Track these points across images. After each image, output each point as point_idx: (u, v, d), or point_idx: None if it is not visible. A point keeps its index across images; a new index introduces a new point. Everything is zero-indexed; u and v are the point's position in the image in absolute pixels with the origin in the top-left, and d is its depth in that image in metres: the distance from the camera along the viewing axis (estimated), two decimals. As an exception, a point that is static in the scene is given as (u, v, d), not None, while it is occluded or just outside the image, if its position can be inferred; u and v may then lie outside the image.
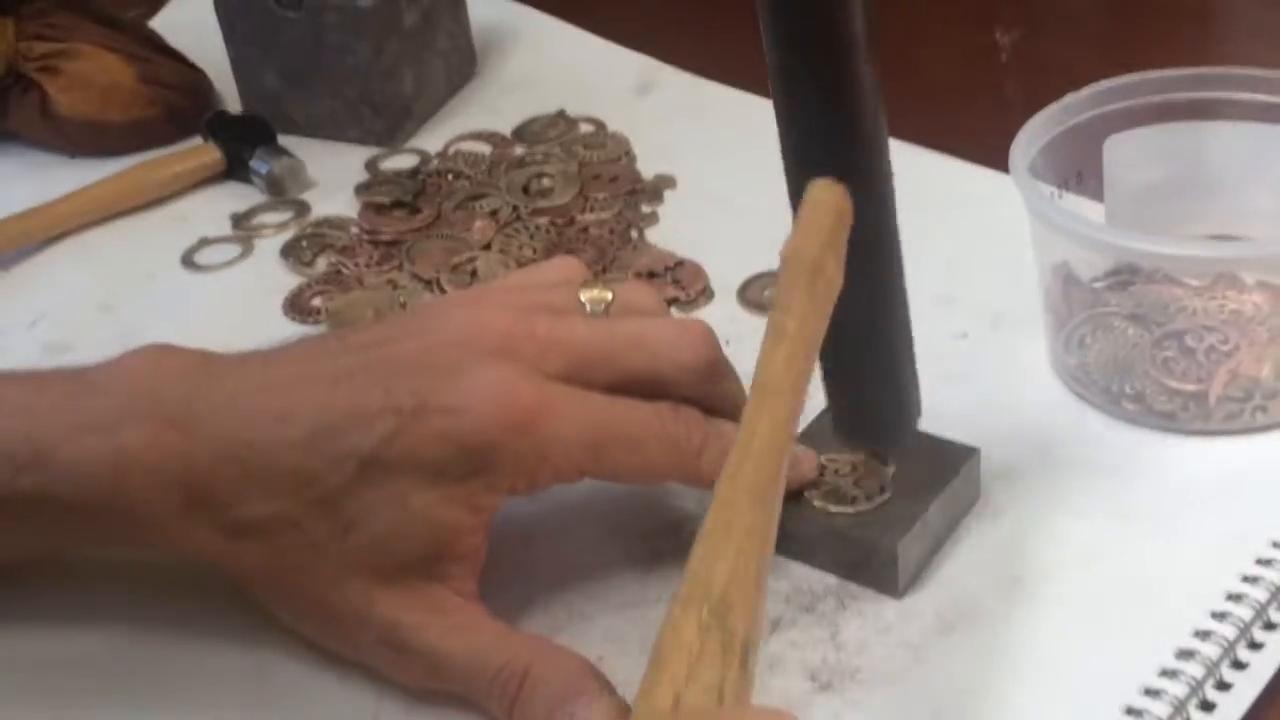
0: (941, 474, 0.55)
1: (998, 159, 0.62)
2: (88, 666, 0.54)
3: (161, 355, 0.52)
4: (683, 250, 0.72)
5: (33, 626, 0.55)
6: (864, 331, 0.51)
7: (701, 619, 0.38)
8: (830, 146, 0.48)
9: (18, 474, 0.50)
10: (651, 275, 0.71)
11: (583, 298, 0.53)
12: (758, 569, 0.40)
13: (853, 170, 0.47)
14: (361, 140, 0.83)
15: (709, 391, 0.53)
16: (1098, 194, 0.64)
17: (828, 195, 0.47)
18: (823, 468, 0.55)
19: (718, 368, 0.53)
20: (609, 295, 0.53)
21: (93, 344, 0.70)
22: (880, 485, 0.54)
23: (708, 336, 0.53)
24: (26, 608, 0.56)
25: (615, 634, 0.53)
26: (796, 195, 0.48)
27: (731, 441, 0.52)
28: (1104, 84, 0.63)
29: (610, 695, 0.48)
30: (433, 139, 0.84)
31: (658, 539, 0.56)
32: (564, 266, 0.57)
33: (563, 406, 0.50)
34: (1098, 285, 0.62)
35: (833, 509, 0.54)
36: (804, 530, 0.54)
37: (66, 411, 0.51)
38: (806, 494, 0.54)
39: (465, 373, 0.49)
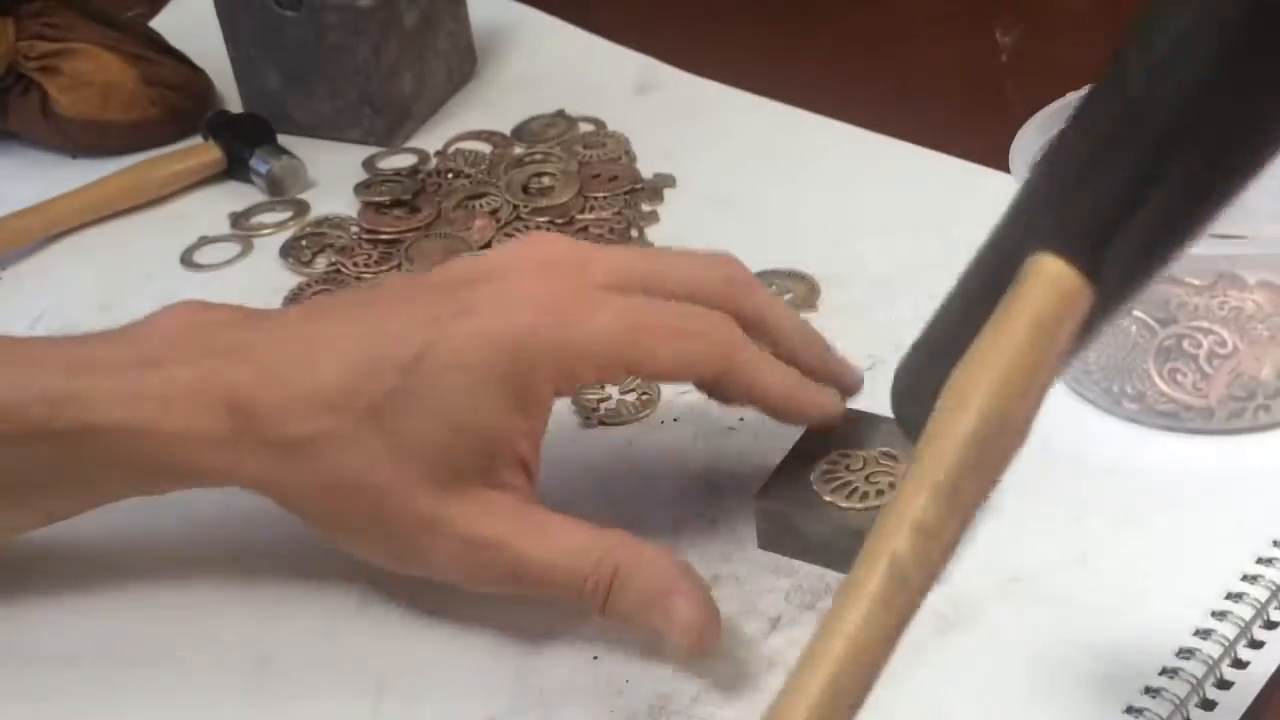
0: None
1: (998, 159, 0.62)
2: (88, 656, 0.54)
3: (195, 308, 0.54)
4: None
5: (34, 617, 0.56)
6: None
7: None
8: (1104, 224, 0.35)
9: (56, 408, 0.50)
10: (651, 275, 0.71)
11: None
12: None
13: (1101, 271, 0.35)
14: (361, 140, 0.83)
15: (746, 304, 0.53)
16: (1098, 193, 0.64)
17: (1057, 302, 0.34)
18: (834, 462, 0.55)
19: (751, 282, 0.54)
20: None
21: (92, 343, 0.71)
22: (892, 481, 0.54)
23: (734, 261, 0.55)
24: (27, 601, 0.56)
25: (615, 633, 0.53)
26: (1002, 267, 0.36)
27: (770, 358, 0.53)
28: (1104, 83, 0.63)
29: (702, 589, 0.49)
30: (433, 139, 0.84)
31: (658, 538, 0.56)
32: None
33: (601, 300, 0.51)
34: (1098, 284, 0.62)
35: (844, 504, 0.54)
36: (817, 529, 0.54)
37: (105, 355, 0.52)
38: (817, 489, 0.54)
39: (505, 280, 0.50)
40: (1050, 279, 0.35)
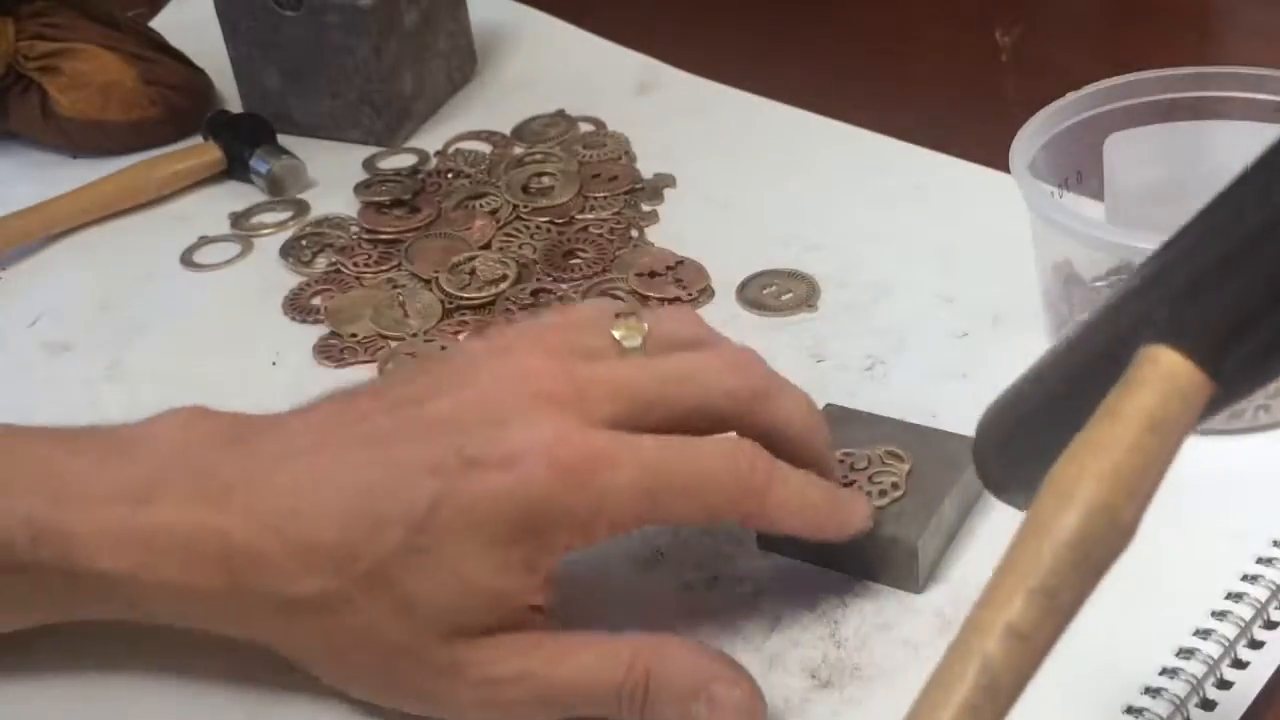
0: (952, 467, 0.55)
1: (998, 159, 0.62)
2: (78, 685, 0.54)
3: (192, 419, 0.50)
4: (682, 250, 0.72)
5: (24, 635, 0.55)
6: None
7: None
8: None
9: (36, 542, 0.48)
10: (653, 274, 0.71)
11: (616, 334, 0.50)
12: None
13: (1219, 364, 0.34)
14: (361, 140, 0.83)
15: (764, 415, 0.50)
16: (1098, 193, 0.64)
17: (1175, 399, 0.33)
18: (838, 462, 0.55)
19: (770, 389, 0.50)
20: (645, 326, 0.50)
21: (93, 343, 0.71)
22: (895, 481, 0.54)
23: (753, 360, 0.51)
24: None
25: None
26: (1114, 348, 0.35)
27: (799, 484, 0.49)
28: (1104, 84, 0.63)
29: (739, 669, 0.48)
30: (432, 139, 0.84)
31: (658, 538, 0.56)
32: (594, 305, 0.54)
33: (615, 454, 0.47)
34: (1099, 284, 0.62)
35: None
36: None
37: (92, 478, 0.49)
38: None
39: (508, 426, 0.47)
40: (1168, 374, 0.34)
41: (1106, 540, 0.33)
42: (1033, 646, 0.33)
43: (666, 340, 0.50)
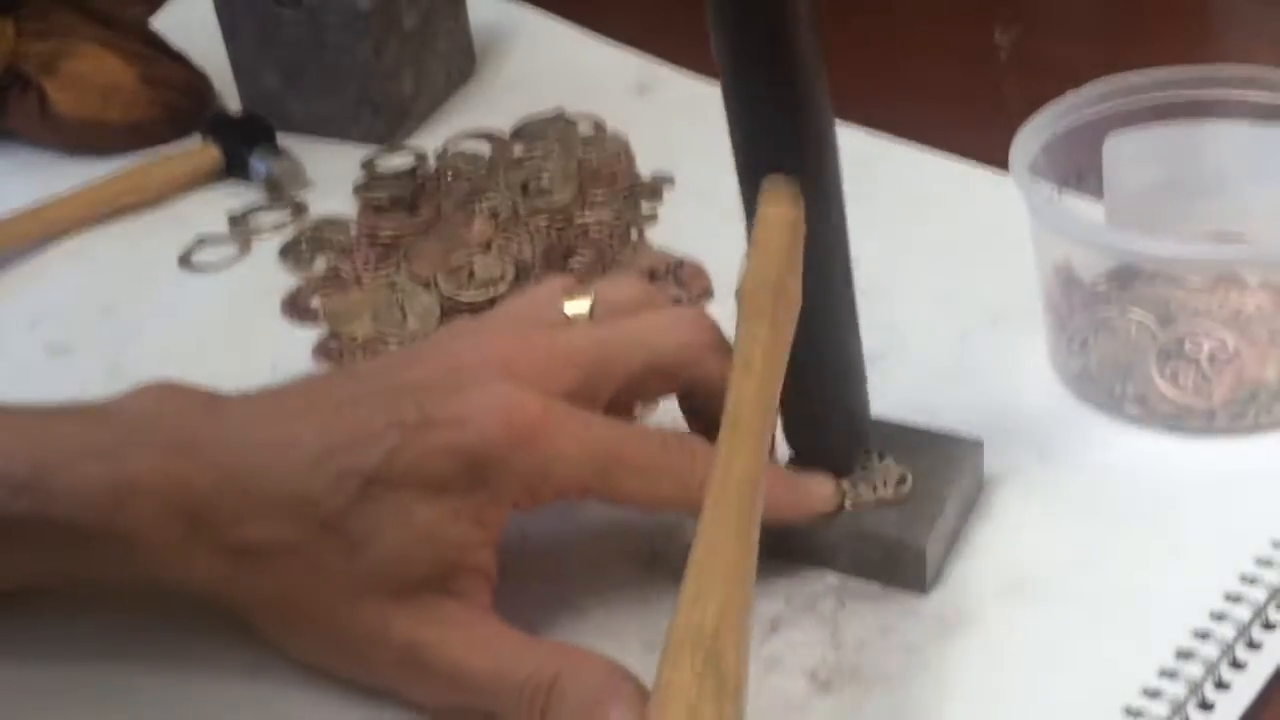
0: (953, 468, 0.55)
1: (998, 159, 0.62)
2: (77, 670, 0.54)
3: (168, 390, 0.53)
4: (682, 249, 0.72)
5: (21, 633, 0.55)
6: (816, 345, 0.52)
7: (696, 665, 0.39)
8: (781, 151, 0.49)
9: (15, 495, 0.50)
10: (652, 275, 0.71)
11: (566, 310, 0.54)
12: (742, 606, 0.42)
13: (802, 172, 0.49)
14: (361, 140, 0.83)
15: (717, 366, 0.52)
16: (1097, 193, 0.64)
17: (780, 209, 0.49)
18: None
19: (720, 342, 0.53)
20: (591, 296, 0.54)
21: (93, 344, 0.71)
22: (896, 482, 0.54)
23: (699, 316, 0.54)
24: (16, 614, 0.56)
25: (612, 631, 0.53)
26: (750, 200, 0.50)
27: None
28: (1104, 84, 0.63)
29: (639, 700, 0.47)
30: (432, 139, 0.84)
31: (657, 537, 0.56)
32: (548, 284, 0.57)
33: (567, 423, 0.50)
34: (1098, 285, 0.62)
35: (849, 506, 0.54)
36: (817, 529, 0.54)
37: (70, 439, 0.51)
38: None
39: (469, 389, 0.49)
40: (769, 208, 0.49)
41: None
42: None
43: (612, 305, 0.54)
